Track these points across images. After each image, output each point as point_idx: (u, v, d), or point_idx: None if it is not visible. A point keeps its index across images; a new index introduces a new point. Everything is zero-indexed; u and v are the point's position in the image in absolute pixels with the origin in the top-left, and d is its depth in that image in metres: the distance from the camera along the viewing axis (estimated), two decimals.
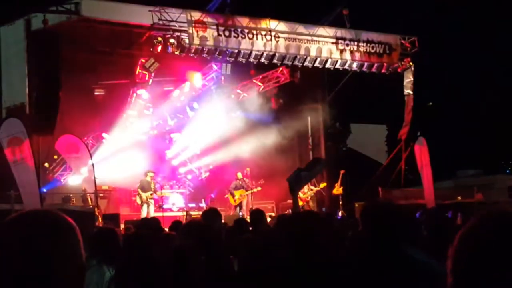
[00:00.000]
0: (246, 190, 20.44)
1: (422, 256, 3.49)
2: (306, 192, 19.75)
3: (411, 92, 23.22)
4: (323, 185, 20.84)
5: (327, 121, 25.93)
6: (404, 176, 23.66)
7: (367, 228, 3.38)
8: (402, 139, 23.51)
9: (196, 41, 19.01)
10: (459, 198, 21.05)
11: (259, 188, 20.69)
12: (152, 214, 18.17)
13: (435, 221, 7.62)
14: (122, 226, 14.78)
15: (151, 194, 18.96)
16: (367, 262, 3.27)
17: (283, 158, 22.84)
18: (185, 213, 19.41)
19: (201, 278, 3.90)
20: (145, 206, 18.80)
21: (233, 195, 20.35)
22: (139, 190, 18.95)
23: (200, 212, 20.76)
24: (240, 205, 20.30)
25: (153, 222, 8.85)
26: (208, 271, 3.99)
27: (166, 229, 9.12)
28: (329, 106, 25.39)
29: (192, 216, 18.46)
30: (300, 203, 19.56)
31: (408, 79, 23.20)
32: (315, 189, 20.46)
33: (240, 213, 19.44)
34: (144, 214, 18.32)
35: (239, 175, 20.73)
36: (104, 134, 21.19)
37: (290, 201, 21.07)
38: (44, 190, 17.69)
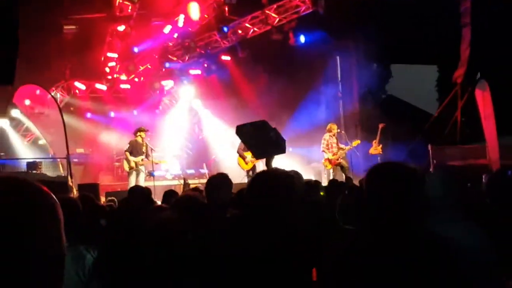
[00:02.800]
0: None
1: (457, 231, 3.52)
2: (336, 152, 19.69)
3: (468, 22, 22.94)
4: (356, 142, 20.62)
5: (361, 62, 25.77)
6: (461, 130, 23.55)
7: (371, 195, 3.39)
8: (457, 83, 23.32)
9: None
10: None
11: None
12: (142, 184, 18.19)
13: (500, 186, 7.57)
14: (102, 199, 14.90)
15: (143, 160, 18.88)
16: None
17: (305, 110, 22.83)
18: (182, 182, 19.47)
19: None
20: (133, 174, 18.76)
21: (243, 157, 20.36)
22: (127, 154, 18.83)
23: (199, 181, 21.07)
24: (253, 168, 20.31)
25: (142, 193, 8.86)
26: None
27: (158, 202, 9.21)
28: (363, 43, 25.19)
29: (191, 186, 18.53)
30: (329, 166, 19.60)
31: (465, 4, 22.92)
32: (346, 148, 20.31)
33: None
34: (132, 184, 18.33)
35: None
36: (77, 83, 21.21)
37: (315, 164, 21.16)
38: (2, 155, 17.81)
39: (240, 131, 11.62)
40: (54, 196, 1.66)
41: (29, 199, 1.60)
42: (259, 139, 11.47)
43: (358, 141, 20.42)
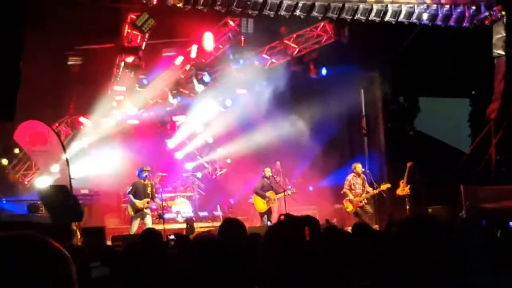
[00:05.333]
0: (277, 192, 20.44)
1: None
2: (360, 194, 19.57)
3: (503, 53, 22.92)
4: (385, 186, 20.29)
5: (387, 95, 25.81)
6: (495, 169, 23.46)
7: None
8: (491, 118, 23.27)
9: None
10: None
11: (294, 190, 20.68)
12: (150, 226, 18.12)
13: None
14: (109, 243, 14.92)
15: (148, 202, 18.80)
16: None
17: (327, 147, 22.84)
18: (186, 225, 19.45)
19: None
20: (137, 219, 18.61)
21: (263, 197, 20.33)
22: (131, 197, 18.76)
23: (213, 224, 21.00)
24: (268, 211, 20.31)
25: (152, 236, 8.91)
26: None
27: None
28: (390, 74, 25.24)
29: (197, 229, 18.52)
30: (350, 207, 19.50)
31: (499, 34, 22.92)
32: (372, 191, 19.97)
33: (269, 223, 19.42)
34: (134, 228, 18.26)
35: (267, 171, 20.71)
36: (82, 119, 21.34)
37: (338, 206, 21.09)
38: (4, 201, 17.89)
39: (42, 193, 12.46)
40: (65, 253, 1.74)
41: (46, 257, 1.69)
42: (59, 203, 12.14)
43: (388, 185, 20.13)
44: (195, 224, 19.76)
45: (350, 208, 19.56)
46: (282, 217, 3.43)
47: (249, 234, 8.59)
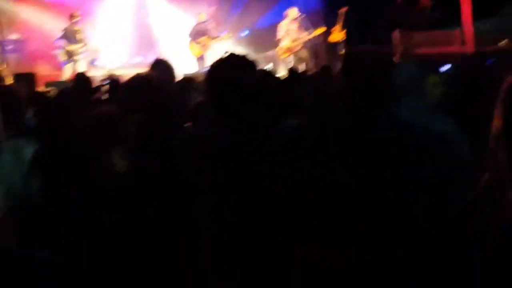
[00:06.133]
0: (213, 38, 20.23)
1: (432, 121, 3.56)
2: (296, 39, 19.46)
3: None
4: (320, 30, 20.21)
5: None
6: (430, 15, 23.49)
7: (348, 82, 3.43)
8: None
9: None
10: (504, 42, 21.05)
11: (230, 35, 20.55)
12: None
13: (468, 73, 7.65)
14: (41, 89, 14.76)
15: (83, 46, 18.50)
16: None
17: None
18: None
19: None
20: (70, 64, 18.40)
21: (198, 43, 20.09)
22: (62, 42, 18.44)
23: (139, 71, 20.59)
24: (202, 57, 20.15)
25: (83, 81, 8.78)
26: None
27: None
28: None
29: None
30: (285, 55, 19.44)
31: None
32: (307, 36, 19.90)
33: (205, 69, 19.29)
34: (67, 75, 18.00)
35: (202, 16, 20.46)
36: None
37: (272, 52, 21.00)
38: None
39: None
40: None
41: None
42: None
43: (324, 28, 20.05)
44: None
45: (285, 55, 19.49)
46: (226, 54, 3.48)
47: (183, 77, 8.56)
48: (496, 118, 2.34)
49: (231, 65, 3.44)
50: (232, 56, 3.53)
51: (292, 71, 11.60)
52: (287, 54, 19.32)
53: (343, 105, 3.38)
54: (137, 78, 5.06)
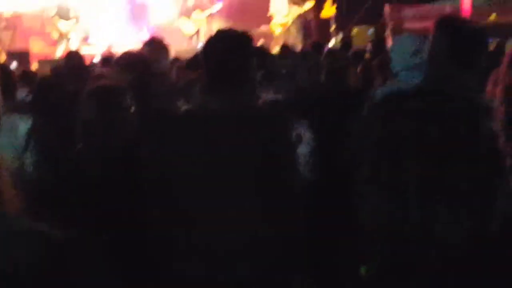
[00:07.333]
0: (203, 10, 20.02)
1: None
2: (287, 14, 19.36)
3: None
4: (309, 4, 20.18)
5: None
6: None
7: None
8: None
9: None
10: (492, 17, 20.98)
11: (221, 5, 20.30)
12: None
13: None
14: (35, 67, 14.75)
15: (75, 23, 18.42)
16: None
17: None
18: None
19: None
20: (63, 41, 18.36)
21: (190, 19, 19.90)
22: (56, 18, 18.38)
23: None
24: (197, 33, 19.99)
25: (75, 59, 8.73)
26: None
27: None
28: None
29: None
30: (277, 31, 19.35)
31: None
32: (298, 10, 19.82)
33: (200, 44, 19.07)
34: (60, 52, 17.93)
35: None
36: None
37: (265, 28, 20.90)
38: None
39: None
40: None
41: None
42: None
43: (312, 1, 20.02)
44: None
45: (277, 31, 19.38)
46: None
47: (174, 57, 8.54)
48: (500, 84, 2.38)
49: (229, 39, 3.47)
50: (230, 31, 3.56)
51: (284, 47, 11.63)
52: (279, 30, 19.21)
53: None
54: (127, 55, 5.05)
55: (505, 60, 2.44)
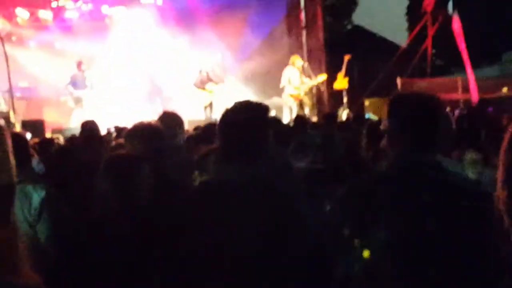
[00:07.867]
0: (217, 82, 20.15)
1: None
2: (299, 87, 19.40)
3: None
4: (322, 77, 20.24)
5: None
6: (431, 62, 23.56)
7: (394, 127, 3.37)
8: (427, 11, 23.22)
9: None
10: (505, 89, 21.08)
11: (233, 78, 20.48)
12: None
13: (470, 120, 7.68)
14: (48, 136, 14.77)
15: (90, 93, 18.58)
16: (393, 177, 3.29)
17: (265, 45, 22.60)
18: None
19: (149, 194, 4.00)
20: (78, 110, 18.48)
21: (205, 90, 19.96)
22: (70, 87, 18.58)
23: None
24: (210, 105, 20.05)
25: (90, 129, 8.73)
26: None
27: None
28: None
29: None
30: (290, 102, 19.37)
31: None
32: (310, 83, 19.85)
33: (213, 117, 19.15)
34: (74, 122, 17.99)
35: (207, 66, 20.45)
36: (19, 10, 20.78)
37: (277, 99, 21.00)
38: None
39: None
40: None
41: None
42: None
43: (325, 75, 20.11)
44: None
45: (290, 102, 19.40)
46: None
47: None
48: (501, 165, 2.31)
49: (246, 110, 3.46)
50: (247, 102, 3.56)
51: (298, 118, 11.62)
52: (292, 101, 19.22)
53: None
54: (143, 127, 5.03)
55: (506, 137, 2.34)
